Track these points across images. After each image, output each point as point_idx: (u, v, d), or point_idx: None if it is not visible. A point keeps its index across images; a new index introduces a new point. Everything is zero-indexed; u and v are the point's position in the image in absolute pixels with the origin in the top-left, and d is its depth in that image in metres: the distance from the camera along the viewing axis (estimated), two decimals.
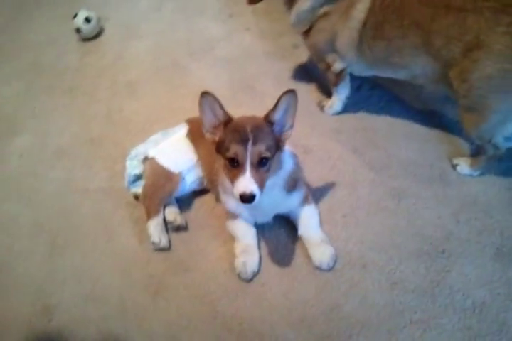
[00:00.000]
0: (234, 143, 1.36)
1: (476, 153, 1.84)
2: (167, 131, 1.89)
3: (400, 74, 1.84)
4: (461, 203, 1.75)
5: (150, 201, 1.76)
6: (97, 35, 2.72)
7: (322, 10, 1.83)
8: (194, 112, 2.11)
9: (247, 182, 1.34)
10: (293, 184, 1.58)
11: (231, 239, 1.72)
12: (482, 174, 1.83)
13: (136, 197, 1.86)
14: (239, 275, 1.64)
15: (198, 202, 1.89)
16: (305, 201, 1.69)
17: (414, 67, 1.74)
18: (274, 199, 1.55)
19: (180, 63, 2.49)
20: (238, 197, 1.34)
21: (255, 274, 1.64)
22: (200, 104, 1.39)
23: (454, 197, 1.77)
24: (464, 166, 1.85)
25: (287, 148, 1.52)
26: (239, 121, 1.41)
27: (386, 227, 1.72)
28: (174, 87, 2.37)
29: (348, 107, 2.13)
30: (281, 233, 1.75)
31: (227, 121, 1.41)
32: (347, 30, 1.79)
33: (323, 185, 1.87)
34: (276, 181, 1.50)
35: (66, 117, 2.30)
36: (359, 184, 1.86)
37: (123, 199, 1.92)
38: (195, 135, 1.79)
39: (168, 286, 1.66)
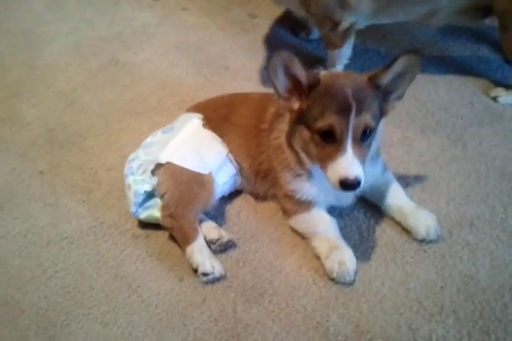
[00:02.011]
0: (330, 111, 1.15)
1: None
2: (168, 127, 1.53)
3: (415, 13, 1.74)
4: None
5: (183, 219, 1.37)
6: None
7: None
8: (165, 110, 1.88)
9: (350, 164, 1.15)
10: (377, 150, 1.36)
11: (299, 241, 1.43)
12: None
13: (152, 223, 1.46)
14: (337, 280, 1.33)
15: (232, 209, 1.54)
16: (385, 167, 1.46)
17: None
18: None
19: (120, 59, 2.13)
20: (337, 184, 1.15)
21: (356, 273, 1.35)
22: (273, 65, 1.17)
23: None
24: (504, 96, 1.81)
25: None
26: (333, 81, 1.19)
27: (467, 176, 1.58)
28: (124, 87, 2.00)
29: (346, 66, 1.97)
30: (356, 216, 1.49)
31: (315, 82, 1.19)
32: None
33: None
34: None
35: None
36: (410, 140, 1.70)
37: (124, 233, 1.49)
38: (216, 122, 1.49)
39: (250, 324, 1.28)
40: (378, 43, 2.08)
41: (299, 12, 1.86)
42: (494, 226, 1.44)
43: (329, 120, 1.15)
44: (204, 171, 1.41)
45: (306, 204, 1.39)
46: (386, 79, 1.20)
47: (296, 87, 1.22)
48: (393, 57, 1.17)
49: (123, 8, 2.45)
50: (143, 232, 1.48)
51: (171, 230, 1.41)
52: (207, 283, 1.36)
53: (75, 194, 1.61)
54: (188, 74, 2.02)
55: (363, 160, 1.19)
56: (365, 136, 1.18)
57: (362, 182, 1.16)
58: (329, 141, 1.17)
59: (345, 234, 1.44)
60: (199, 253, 1.36)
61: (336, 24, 1.78)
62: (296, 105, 1.23)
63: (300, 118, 1.23)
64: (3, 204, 1.58)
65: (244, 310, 1.31)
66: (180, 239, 1.39)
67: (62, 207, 1.57)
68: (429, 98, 1.83)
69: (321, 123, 1.16)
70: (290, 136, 1.31)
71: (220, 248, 1.41)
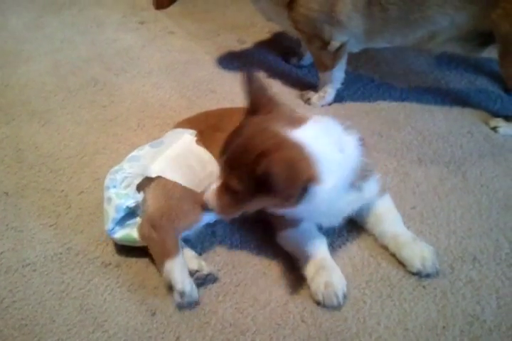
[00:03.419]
0: None
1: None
2: (157, 141, 1.50)
3: (413, 37, 1.77)
4: None
5: (165, 232, 1.31)
6: None
7: None
8: (145, 131, 1.86)
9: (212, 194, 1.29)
10: (363, 176, 1.32)
11: (286, 273, 1.38)
12: None
13: (124, 251, 1.39)
14: (323, 303, 1.28)
15: (214, 237, 1.48)
16: (381, 191, 1.43)
17: (439, 20, 1.67)
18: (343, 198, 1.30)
19: (100, 80, 2.12)
20: None
21: (345, 296, 1.30)
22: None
23: None
24: (504, 127, 1.83)
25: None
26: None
27: (468, 207, 1.56)
28: (102, 107, 1.99)
29: (338, 92, 1.99)
30: (348, 247, 1.44)
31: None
32: None
33: None
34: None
35: None
36: (407, 169, 1.68)
37: (93, 261, 1.42)
38: (206, 132, 1.48)
39: None
40: (372, 70, 2.11)
41: (289, 29, 1.89)
42: (499, 261, 1.40)
43: None
44: (197, 189, 1.36)
45: (293, 220, 1.36)
46: None
47: None
48: None
49: (106, 30, 2.47)
50: (113, 260, 1.41)
51: (147, 241, 1.34)
52: (180, 306, 1.28)
53: (42, 217, 1.54)
54: (171, 97, 2.02)
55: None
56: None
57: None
58: None
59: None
60: (180, 271, 1.29)
61: (325, 43, 1.80)
62: None
63: None
64: None
65: None
66: (159, 252, 1.32)
67: (27, 231, 1.50)
68: (425, 127, 1.84)
69: None
70: None
71: (197, 281, 1.33)
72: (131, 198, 1.36)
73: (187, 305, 1.29)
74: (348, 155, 1.22)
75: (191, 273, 1.32)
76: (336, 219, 1.39)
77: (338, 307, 1.28)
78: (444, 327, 1.26)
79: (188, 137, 1.47)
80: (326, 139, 1.17)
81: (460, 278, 1.36)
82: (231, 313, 1.30)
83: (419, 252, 1.36)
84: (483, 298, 1.31)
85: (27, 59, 2.27)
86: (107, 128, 1.89)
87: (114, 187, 1.38)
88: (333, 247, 1.44)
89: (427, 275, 1.35)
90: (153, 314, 1.29)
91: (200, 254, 1.41)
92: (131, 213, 1.39)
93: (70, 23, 2.52)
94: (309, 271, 1.31)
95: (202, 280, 1.34)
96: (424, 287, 1.34)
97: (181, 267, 1.30)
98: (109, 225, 1.36)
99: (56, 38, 2.41)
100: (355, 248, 1.44)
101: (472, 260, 1.41)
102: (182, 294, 1.26)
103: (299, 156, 1.09)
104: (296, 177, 1.08)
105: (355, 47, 1.89)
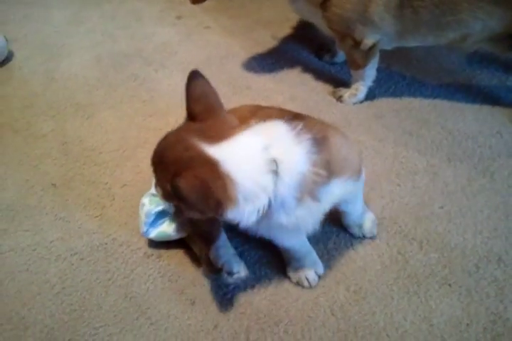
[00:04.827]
0: None
1: None
2: None
3: (445, 38, 1.74)
4: None
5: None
6: (6, 59, 2.26)
7: None
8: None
9: None
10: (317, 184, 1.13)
11: None
12: None
13: (164, 243, 1.45)
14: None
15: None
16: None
17: (471, 24, 1.64)
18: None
19: (140, 75, 2.15)
20: None
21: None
22: None
23: None
24: None
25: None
26: None
27: (495, 208, 1.55)
28: (143, 102, 2.02)
29: (370, 90, 1.98)
30: (378, 244, 1.47)
31: None
32: None
33: (394, 178, 1.65)
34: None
35: (2, 164, 1.79)
36: (436, 168, 1.68)
37: (136, 252, 1.48)
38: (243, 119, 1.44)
39: None
40: (404, 69, 2.09)
41: (324, 28, 1.89)
42: None
43: None
44: None
45: None
46: None
47: None
48: None
49: (145, 25, 2.49)
50: (155, 252, 1.47)
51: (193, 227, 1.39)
52: (231, 284, 1.35)
53: (88, 209, 1.61)
54: None
55: None
56: None
57: None
58: None
59: (366, 263, 1.43)
60: (224, 252, 1.35)
61: (358, 42, 1.79)
62: None
63: None
64: (14, 216, 1.58)
65: (257, 339, 1.28)
66: (204, 238, 1.38)
67: (74, 222, 1.56)
68: (455, 126, 1.83)
69: None
70: None
71: (232, 281, 1.38)
72: (161, 204, 1.40)
73: (238, 282, 1.36)
74: (288, 171, 1.04)
75: (230, 274, 1.36)
76: (308, 227, 1.24)
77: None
78: (467, 325, 1.29)
79: None
80: (249, 158, 1.02)
81: (485, 278, 1.38)
82: (265, 305, 1.35)
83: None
84: (506, 297, 1.33)
85: (69, 53, 2.31)
86: (148, 122, 1.93)
87: (152, 195, 1.42)
88: (362, 244, 1.47)
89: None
90: (193, 303, 1.35)
91: (236, 248, 1.46)
92: (160, 215, 1.43)
93: (110, 17, 2.54)
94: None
95: (237, 281, 1.39)
96: (449, 285, 1.37)
97: (225, 248, 1.36)
98: (142, 228, 1.42)
99: (97, 32, 2.44)
100: (384, 245, 1.46)
101: (497, 260, 1.42)
102: (230, 273, 1.33)
103: (211, 176, 0.96)
104: (206, 199, 0.97)
105: (387, 45, 1.86)
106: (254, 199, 1.02)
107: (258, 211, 1.05)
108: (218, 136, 1.02)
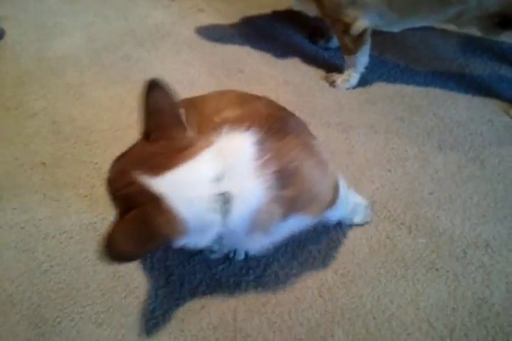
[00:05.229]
0: None
1: None
2: None
3: (443, 16, 1.71)
4: None
5: None
6: None
7: None
8: None
9: None
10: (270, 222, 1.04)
11: (306, 251, 1.42)
12: None
13: None
14: None
15: None
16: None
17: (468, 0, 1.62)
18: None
19: (132, 56, 2.12)
20: None
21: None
22: None
23: None
24: None
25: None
26: None
27: (484, 195, 1.56)
28: (135, 83, 1.98)
29: (363, 76, 1.96)
30: (366, 229, 1.47)
31: None
32: None
33: (385, 164, 1.65)
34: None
35: None
36: (427, 155, 1.68)
37: None
38: None
39: (250, 334, 1.25)
40: (398, 56, 2.07)
41: (316, 13, 1.86)
42: (511, 248, 1.42)
43: None
44: None
45: None
46: None
47: None
48: None
49: (138, 6, 2.44)
50: None
51: None
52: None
53: (77, 188, 1.58)
54: (200, 75, 2.02)
55: None
56: None
57: None
58: None
59: (354, 247, 1.43)
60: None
61: (348, 27, 1.77)
62: None
63: None
64: (2, 194, 1.55)
65: (244, 319, 1.28)
66: None
67: (63, 201, 1.54)
68: (447, 114, 1.82)
69: None
70: None
71: (215, 256, 1.38)
72: None
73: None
74: (239, 207, 0.94)
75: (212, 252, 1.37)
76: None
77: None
78: (453, 309, 1.29)
79: None
80: (195, 191, 0.92)
81: (472, 263, 1.38)
82: (253, 286, 1.34)
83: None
84: (493, 283, 1.34)
85: (62, 32, 2.26)
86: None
87: None
88: (351, 228, 1.46)
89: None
90: (181, 284, 1.34)
91: None
92: None
93: None
94: None
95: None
96: (437, 269, 1.37)
97: None
98: None
99: (90, 12, 2.39)
100: (373, 230, 1.46)
101: (485, 246, 1.42)
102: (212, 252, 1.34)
103: (153, 213, 0.89)
104: (148, 233, 0.90)
105: (393, 27, 1.83)
106: (202, 232, 0.95)
107: (208, 239, 0.98)
108: (165, 164, 0.92)
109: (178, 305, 1.30)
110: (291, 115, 1.21)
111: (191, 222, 0.92)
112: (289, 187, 0.98)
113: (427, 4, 1.67)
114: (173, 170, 0.92)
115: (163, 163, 0.92)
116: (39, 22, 2.34)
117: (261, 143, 0.98)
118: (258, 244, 1.10)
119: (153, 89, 1.00)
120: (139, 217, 0.90)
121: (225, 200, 0.92)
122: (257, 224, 0.99)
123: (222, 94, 1.31)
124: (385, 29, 1.83)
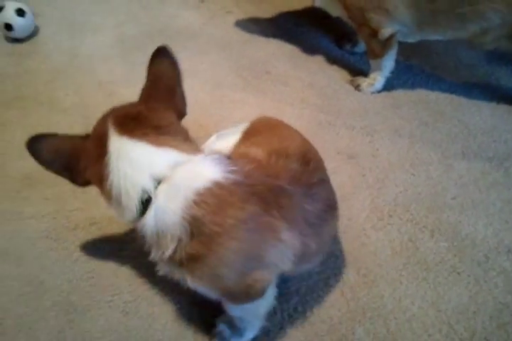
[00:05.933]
0: None
1: None
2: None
3: (465, 31, 1.72)
4: None
5: None
6: (32, 33, 2.26)
7: None
8: (203, 108, 1.89)
9: None
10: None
11: (331, 251, 1.41)
12: None
13: None
14: None
15: None
16: None
17: (490, 15, 1.62)
18: None
19: None
20: None
21: None
22: None
23: None
24: None
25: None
26: None
27: (507, 202, 1.57)
28: None
29: (389, 81, 1.97)
30: (389, 230, 1.47)
31: None
32: None
33: (408, 168, 1.66)
34: None
35: (23, 133, 1.79)
36: (450, 160, 1.68)
37: None
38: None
39: (272, 329, 1.27)
40: (424, 62, 2.08)
41: (343, 17, 1.88)
42: None
43: None
44: None
45: None
46: None
47: None
48: None
49: (168, 6, 2.48)
50: None
51: None
52: None
53: None
54: (227, 76, 2.04)
55: None
56: None
57: None
58: None
59: (377, 248, 1.44)
60: None
61: (375, 31, 1.78)
62: None
63: None
64: (36, 184, 1.59)
65: (267, 315, 1.29)
66: None
67: (93, 194, 1.56)
68: (471, 121, 1.82)
69: None
70: None
71: None
72: None
73: None
74: (149, 213, 0.94)
75: None
76: None
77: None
78: (474, 312, 1.30)
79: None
80: (135, 171, 0.95)
81: (494, 268, 1.39)
82: (276, 282, 1.35)
83: None
84: None
85: (93, 31, 2.30)
86: None
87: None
88: (374, 230, 1.48)
89: None
90: None
91: None
92: None
93: None
94: None
95: None
96: (458, 273, 1.38)
97: None
98: None
99: (121, 12, 2.43)
100: (396, 232, 1.47)
101: (507, 252, 1.43)
102: None
103: (94, 157, 1.00)
104: (68, 163, 1.06)
105: (410, 38, 1.86)
106: (119, 208, 0.98)
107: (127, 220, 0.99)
108: (134, 130, 0.96)
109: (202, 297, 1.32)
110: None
111: (114, 191, 0.96)
112: (197, 239, 0.91)
113: (444, 18, 1.68)
114: (136, 142, 0.96)
115: (134, 129, 0.97)
116: (72, 20, 2.38)
117: (220, 187, 0.92)
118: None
119: (160, 56, 1.08)
120: (78, 147, 1.01)
121: (142, 199, 0.93)
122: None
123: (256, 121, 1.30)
124: (400, 39, 1.84)
